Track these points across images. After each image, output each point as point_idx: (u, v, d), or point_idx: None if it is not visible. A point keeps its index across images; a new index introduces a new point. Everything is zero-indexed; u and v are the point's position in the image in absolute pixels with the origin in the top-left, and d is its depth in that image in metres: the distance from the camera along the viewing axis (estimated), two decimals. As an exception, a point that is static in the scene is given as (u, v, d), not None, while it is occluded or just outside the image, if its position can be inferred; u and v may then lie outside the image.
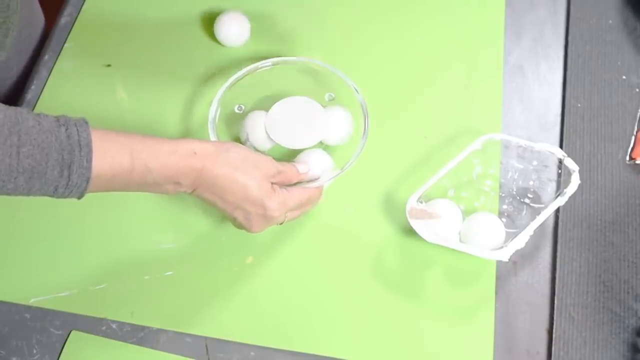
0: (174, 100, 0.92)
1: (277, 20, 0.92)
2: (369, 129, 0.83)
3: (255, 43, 0.95)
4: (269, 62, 0.89)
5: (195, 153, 0.70)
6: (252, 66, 0.88)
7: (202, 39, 0.96)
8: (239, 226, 0.76)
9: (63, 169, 0.62)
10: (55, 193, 0.63)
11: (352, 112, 0.86)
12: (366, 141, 0.82)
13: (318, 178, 0.81)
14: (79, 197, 0.65)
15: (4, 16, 0.83)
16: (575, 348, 0.76)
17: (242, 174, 0.72)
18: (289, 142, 0.83)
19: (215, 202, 0.73)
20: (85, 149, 0.63)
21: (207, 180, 0.71)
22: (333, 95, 0.88)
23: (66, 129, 0.63)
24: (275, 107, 0.84)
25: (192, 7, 0.99)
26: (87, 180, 0.63)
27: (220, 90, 0.85)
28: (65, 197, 0.65)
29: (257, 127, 0.84)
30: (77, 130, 0.63)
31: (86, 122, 0.64)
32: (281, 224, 0.78)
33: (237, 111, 0.88)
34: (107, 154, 0.65)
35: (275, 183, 0.75)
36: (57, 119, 0.63)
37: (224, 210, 0.74)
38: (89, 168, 0.63)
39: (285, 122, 0.84)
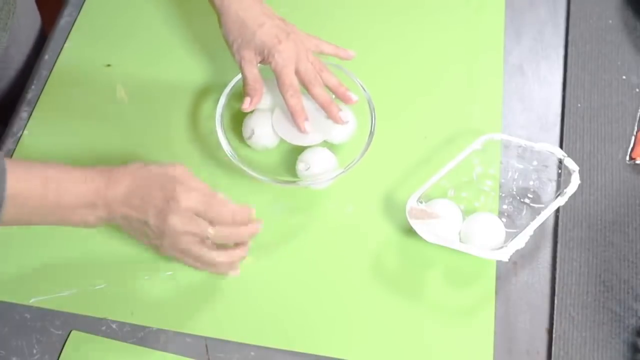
0: (174, 99, 0.92)
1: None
2: (376, 127, 0.83)
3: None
4: None
5: (102, 171, 0.72)
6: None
7: (204, 37, 0.96)
8: (155, 233, 0.73)
9: None
10: None
11: (355, 110, 0.86)
12: (372, 140, 0.82)
13: (322, 176, 0.81)
14: None
15: None
16: (575, 348, 0.76)
17: (142, 175, 0.73)
18: (295, 139, 0.83)
19: (129, 214, 0.72)
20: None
21: (115, 194, 0.71)
22: None
23: None
24: (283, 104, 0.84)
25: (194, 5, 0.99)
26: (1, 202, 0.66)
27: (227, 87, 0.85)
28: None
29: (263, 124, 0.84)
30: None
31: None
32: (205, 261, 0.75)
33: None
34: (20, 176, 0.68)
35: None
36: None
37: (138, 219, 0.72)
38: (2, 189, 0.66)
39: (291, 119, 0.84)
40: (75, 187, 0.70)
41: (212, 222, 0.73)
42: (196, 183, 0.73)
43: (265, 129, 0.84)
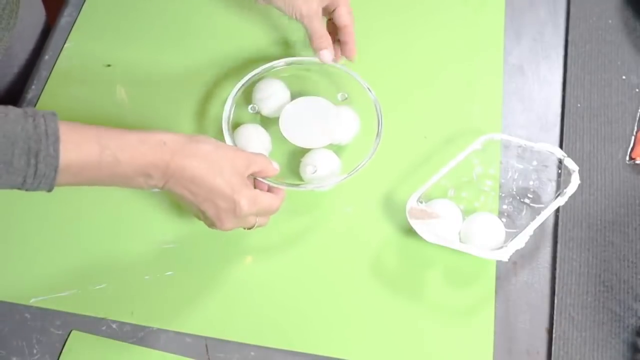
0: (175, 99, 0.92)
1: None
2: (383, 129, 0.83)
3: (265, 44, 0.96)
4: (282, 61, 0.89)
5: (164, 143, 0.69)
6: (267, 65, 0.88)
7: (205, 37, 0.96)
8: (210, 222, 0.75)
9: (30, 157, 0.61)
10: (24, 184, 0.63)
11: (357, 110, 0.86)
12: (380, 141, 0.82)
13: (329, 179, 0.81)
14: (49, 190, 0.65)
15: None
16: (575, 348, 0.76)
17: (211, 165, 0.71)
18: (302, 141, 0.83)
19: (184, 195, 0.72)
20: (52, 137, 0.62)
21: (176, 172, 0.70)
22: (346, 95, 0.88)
23: (33, 120, 0.62)
24: (289, 106, 0.84)
25: (194, 6, 0.99)
26: (55, 169, 0.63)
27: (234, 88, 0.85)
28: (35, 189, 0.64)
29: (250, 141, 0.84)
30: (45, 120, 0.63)
31: (54, 114, 0.64)
32: (250, 228, 0.77)
33: (250, 112, 0.88)
34: (74, 143, 0.64)
35: (250, 175, 0.75)
36: (25, 110, 0.63)
37: (193, 203, 0.72)
38: (56, 157, 0.63)
39: (299, 122, 0.84)
40: (132, 160, 0.68)
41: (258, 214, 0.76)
42: (253, 193, 0.75)
43: (252, 148, 0.84)
